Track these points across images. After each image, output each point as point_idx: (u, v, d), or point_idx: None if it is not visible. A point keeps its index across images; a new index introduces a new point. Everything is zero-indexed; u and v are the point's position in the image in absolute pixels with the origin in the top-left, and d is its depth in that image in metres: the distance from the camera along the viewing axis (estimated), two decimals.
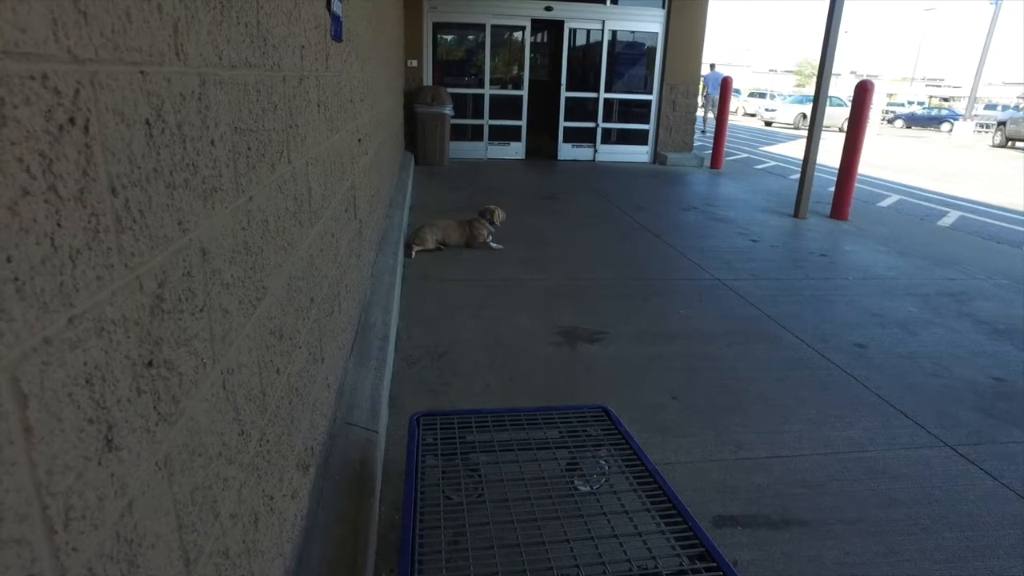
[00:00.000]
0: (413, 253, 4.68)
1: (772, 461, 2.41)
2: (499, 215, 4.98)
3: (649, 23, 9.86)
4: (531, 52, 9.97)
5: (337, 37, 2.22)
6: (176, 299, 0.79)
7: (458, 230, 4.89)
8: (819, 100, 6.73)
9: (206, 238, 0.92)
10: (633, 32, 10.00)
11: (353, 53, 2.83)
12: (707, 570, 1.42)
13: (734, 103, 38.98)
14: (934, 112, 34.76)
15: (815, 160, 6.88)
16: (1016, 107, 24.09)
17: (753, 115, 36.74)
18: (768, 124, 31.42)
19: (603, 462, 1.95)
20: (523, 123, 10.03)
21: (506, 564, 1.41)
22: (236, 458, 1.03)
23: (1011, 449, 2.61)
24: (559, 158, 10.15)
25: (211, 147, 0.95)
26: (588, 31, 9.94)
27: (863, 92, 6.73)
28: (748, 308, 4.04)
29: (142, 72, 0.70)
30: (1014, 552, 2.01)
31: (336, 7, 2.18)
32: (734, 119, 32.18)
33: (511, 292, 4.10)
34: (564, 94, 9.90)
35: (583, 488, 1.96)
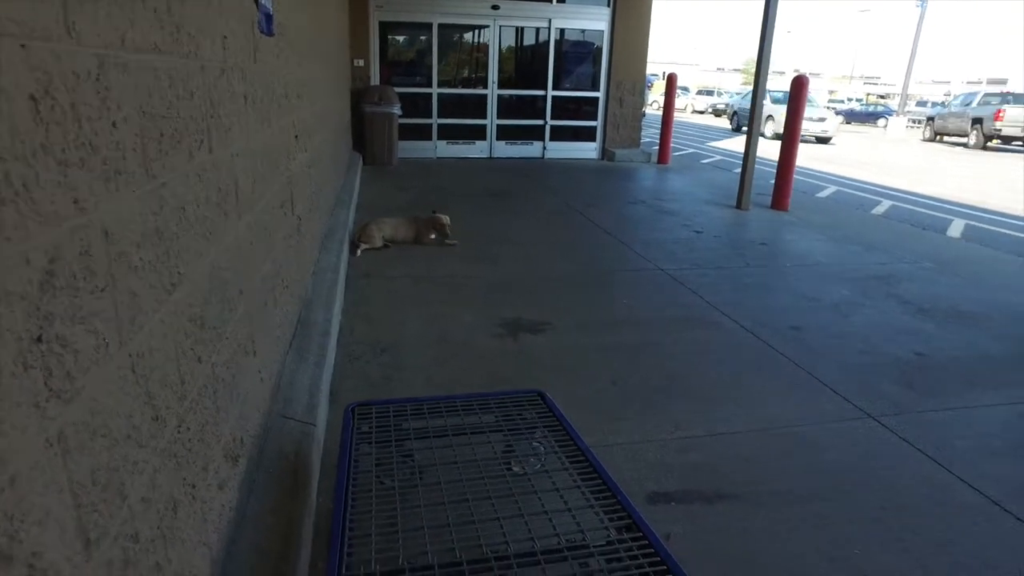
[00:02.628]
0: (359, 251, 4.65)
1: (708, 439, 2.49)
2: (446, 224, 4.97)
3: (595, 21, 9.99)
4: (479, 52, 9.99)
5: (267, 31, 2.20)
6: (71, 276, 0.79)
7: (405, 227, 4.88)
8: (757, 97, 6.93)
9: (109, 219, 0.92)
10: (580, 31, 10.13)
11: (287, 49, 2.81)
12: (633, 540, 1.47)
13: (683, 100, 39.79)
14: (871, 109, 36.20)
15: (755, 154, 7.09)
16: (943, 104, 25.19)
17: (702, 112, 37.57)
18: (718, 115, 32.59)
19: (537, 444, 1.99)
20: (488, 122, 10.06)
21: (436, 544, 1.43)
22: (149, 443, 1.03)
23: (927, 417, 2.75)
24: (493, 156, 10.20)
25: (112, 129, 0.94)
26: (541, 30, 10.02)
27: (799, 87, 6.97)
28: (690, 296, 4.15)
29: (23, 46, 0.70)
30: (924, 508, 2.13)
31: (265, 1, 2.16)
32: (684, 117, 32.84)
33: (456, 288, 4.12)
34: (496, 92, 9.95)
35: (517, 470, 1.99)
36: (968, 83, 58.08)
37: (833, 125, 20.05)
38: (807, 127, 18.59)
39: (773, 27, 6.74)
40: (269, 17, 2.17)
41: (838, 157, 15.17)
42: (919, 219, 7.78)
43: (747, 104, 19.97)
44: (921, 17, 22.75)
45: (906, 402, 2.89)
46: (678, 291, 4.25)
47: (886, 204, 8.84)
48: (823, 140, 19.91)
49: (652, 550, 1.42)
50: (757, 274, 4.78)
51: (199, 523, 1.28)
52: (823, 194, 9.51)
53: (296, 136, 3.04)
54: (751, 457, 2.38)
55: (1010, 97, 19.74)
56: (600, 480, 1.68)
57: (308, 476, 1.94)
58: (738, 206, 7.17)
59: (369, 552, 1.41)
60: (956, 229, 7.38)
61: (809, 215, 7.07)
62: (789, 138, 7.01)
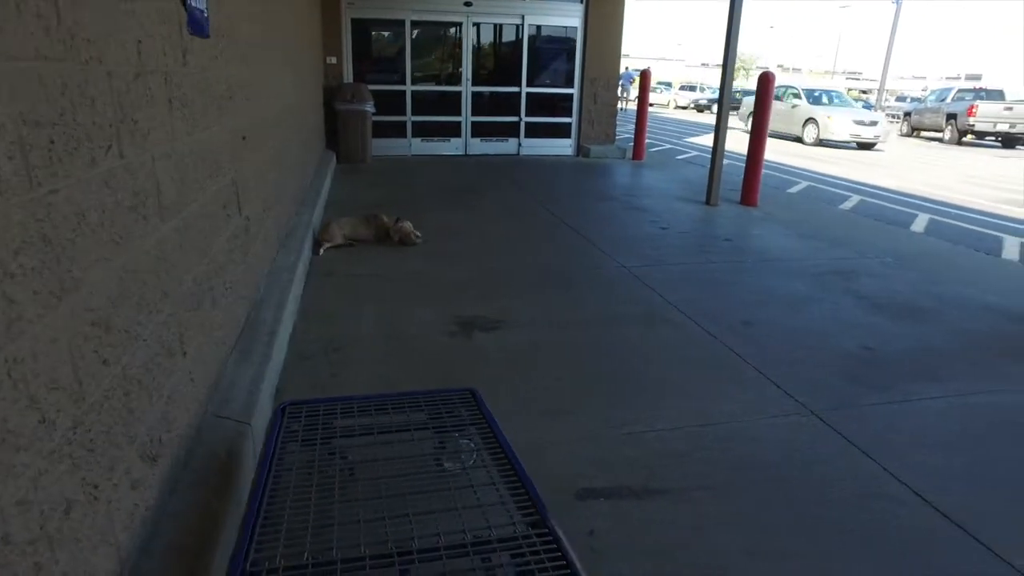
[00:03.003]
0: (322, 250, 4.66)
1: (647, 435, 2.53)
2: (411, 233, 4.98)
3: (568, 18, 10.02)
4: (454, 48, 9.98)
5: (199, 33, 2.21)
6: None
7: (365, 226, 4.89)
8: (724, 92, 6.99)
9: None
10: (556, 27, 10.15)
11: (230, 50, 2.81)
12: (539, 536, 1.50)
13: (666, 96, 39.94)
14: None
15: (723, 149, 7.16)
16: (920, 99, 25.48)
17: (684, 107, 37.71)
18: (700, 111, 32.77)
19: (467, 442, 2.02)
20: (462, 119, 10.07)
21: (345, 540, 1.46)
22: (30, 446, 1.05)
23: (866, 412, 2.81)
24: (468, 153, 10.21)
25: None
26: (515, 27, 10.03)
27: (765, 83, 7.04)
28: (648, 293, 4.20)
29: None
30: (849, 501, 2.19)
31: (196, 1, 2.17)
32: (666, 112, 32.99)
33: (416, 286, 4.14)
34: (470, 89, 9.96)
35: (449, 467, 2.02)
36: (947, 79, 58.68)
37: (884, 129, 16.99)
38: (857, 131, 16.27)
39: (739, 24, 6.80)
40: (202, 19, 2.18)
41: (816, 153, 15.31)
42: (886, 214, 7.88)
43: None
44: (896, 14, 22.99)
45: (848, 397, 2.95)
46: (636, 288, 4.30)
47: (855, 199, 8.95)
48: (867, 146, 16.88)
49: (555, 545, 1.46)
50: (717, 270, 4.84)
51: (103, 523, 1.30)
52: (795, 189, 9.61)
53: (244, 137, 3.05)
54: (686, 453, 2.42)
55: (983, 93, 19.99)
56: (517, 478, 1.71)
57: (237, 474, 1.96)
58: (707, 202, 7.24)
59: (277, 548, 1.44)
60: (920, 224, 7.49)
61: (777, 211, 7.15)
62: (757, 134, 7.07)
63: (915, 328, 3.84)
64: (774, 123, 17.14)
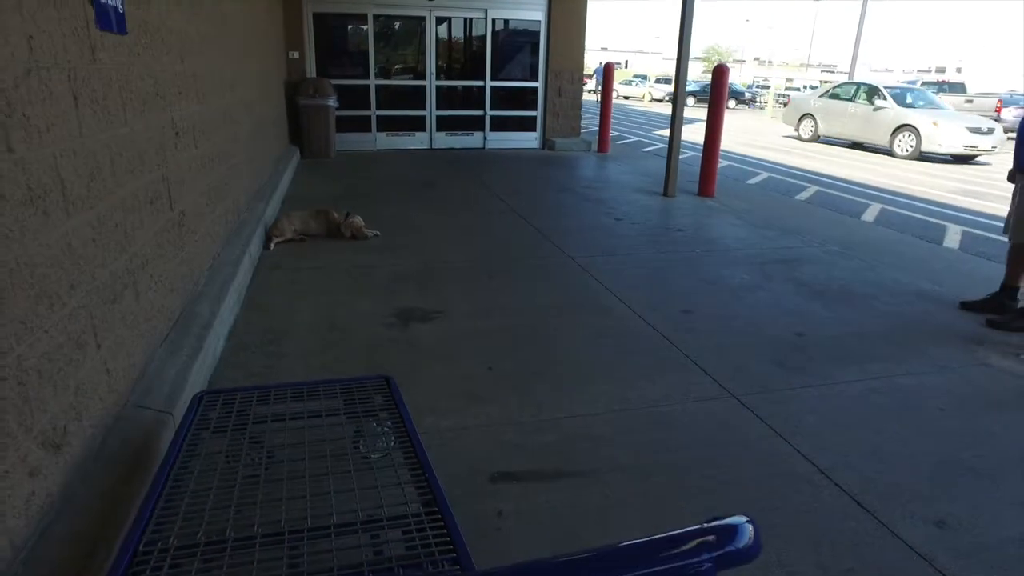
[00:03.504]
0: (272, 245, 4.68)
1: (567, 421, 2.61)
2: (361, 227, 5.00)
3: (531, 11, 10.05)
4: (418, 42, 9.97)
5: (110, 27, 2.23)
6: None
7: (315, 221, 4.92)
8: (679, 84, 7.09)
9: None
10: (519, 21, 10.19)
11: (158, 46, 2.83)
12: (428, 515, 1.57)
13: (641, 89, 40.13)
14: None
15: (679, 140, 7.26)
16: None
17: (660, 100, 37.91)
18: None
19: (378, 427, 2.08)
20: (427, 113, 10.07)
21: (240, 520, 1.52)
22: None
23: (787, 395, 2.92)
24: (433, 147, 10.24)
25: None
26: (478, 20, 10.05)
27: (720, 76, 7.15)
28: (591, 283, 4.28)
29: None
30: (758, 480, 2.28)
31: None
32: (641, 105, 33.15)
33: (359, 278, 4.19)
34: (434, 83, 9.98)
35: (363, 451, 2.08)
36: (918, 71, 59.62)
37: (1000, 138, 13.24)
38: (973, 141, 12.68)
39: (692, 14, 6.90)
40: (113, 14, 2.20)
41: (782, 144, 15.51)
42: (840, 204, 8.05)
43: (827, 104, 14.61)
44: (863, 9, 23.32)
45: (772, 381, 3.05)
46: (581, 278, 4.38)
47: (812, 190, 9.12)
48: (966, 158, 13.20)
49: (443, 526, 1.53)
50: (665, 260, 4.93)
51: None
52: (754, 180, 9.77)
53: (177, 133, 3.07)
54: (603, 437, 2.51)
55: (946, 86, 20.39)
56: (417, 460, 1.77)
57: (152, 463, 2.00)
58: (665, 193, 7.34)
59: (173, 528, 1.49)
60: (872, 214, 7.66)
61: (733, 201, 7.27)
62: (712, 126, 7.18)
63: (847, 313, 3.96)
64: (847, 129, 14.55)
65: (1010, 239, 4.05)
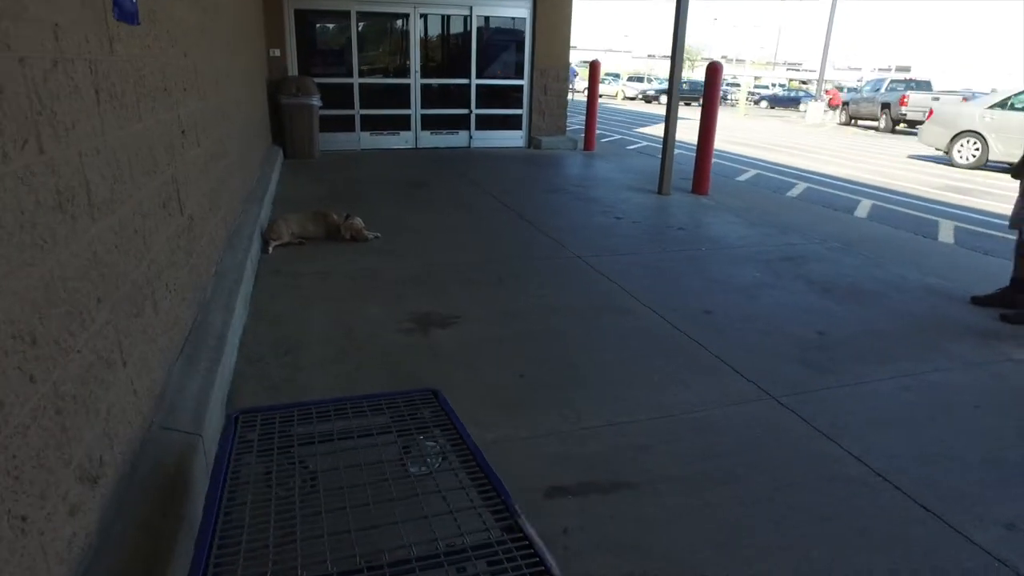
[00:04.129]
0: (270, 249, 4.49)
1: (608, 429, 2.51)
2: (361, 228, 4.83)
3: (516, 8, 9.94)
4: (402, 40, 9.78)
5: (128, 19, 2.06)
6: None
7: (313, 222, 4.74)
8: (673, 81, 7.04)
9: None
10: (504, 19, 10.06)
11: (164, 38, 2.65)
12: (514, 541, 1.45)
13: (614, 87, 40.26)
14: (793, 94, 37.57)
15: (674, 139, 7.21)
16: (856, 90, 26.42)
17: (633, 98, 38.12)
18: (648, 102, 33.37)
19: (432, 444, 1.95)
20: (412, 112, 9.88)
21: (308, 556, 1.38)
22: None
23: (822, 395, 2.86)
24: (418, 146, 10.07)
25: None
26: (463, 18, 9.89)
27: (713, 74, 7.12)
28: (604, 283, 4.19)
29: None
30: (812, 484, 2.21)
31: None
32: (615, 103, 33.26)
33: (366, 282, 4.03)
34: (419, 81, 9.81)
35: (415, 471, 1.95)
36: (879, 70, 60.97)
37: None
38: None
39: (686, 14, 6.86)
40: (128, 4, 2.03)
41: (762, 141, 15.66)
42: (831, 200, 8.10)
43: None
44: (832, 8, 23.69)
45: (805, 381, 2.99)
46: (593, 278, 4.28)
47: (802, 186, 9.17)
48: None
49: (532, 551, 1.41)
50: (673, 259, 4.87)
51: (33, 556, 1.19)
52: (743, 177, 9.80)
53: (183, 131, 2.89)
54: (649, 445, 2.41)
55: (913, 84, 20.82)
56: (487, 481, 1.65)
57: (188, 490, 1.85)
58: (659, 191, 7.29)
59: (236, 568, 1.35)
60: (863, 209, 7.72)
61: (728, 199, 7.25)
62: (706, 124, 7.15)
63: (861, 311, 3.93)
64: (1010, 147, 10.54)
65: (1019, 234, 4.06)
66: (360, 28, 9.39)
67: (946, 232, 6.72)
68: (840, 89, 35.06)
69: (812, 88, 40.54)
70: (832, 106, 24.94)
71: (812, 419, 2.65)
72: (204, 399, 2.26)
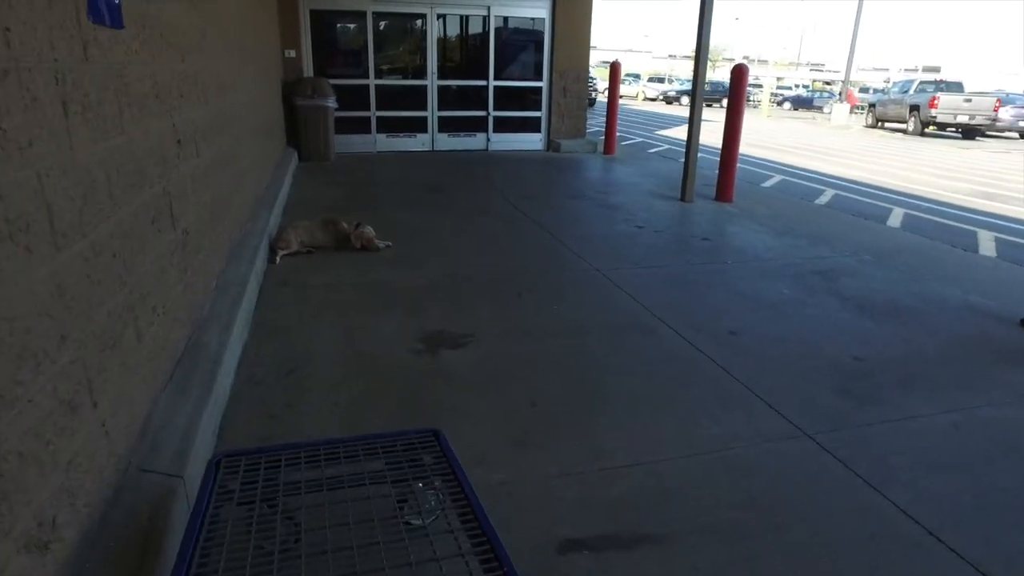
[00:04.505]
0: (278, 258, 4.33)
1: (632, 469, 2.29)
2: (372, 238, 4.65)
3: (535, 9, 9.74)
4: (419, 41, 9.62)
5: (103, 21, 1.88)
6: None
7: (322, 231, 4.57)
8: (697, 83, 6.79)
9: None
10: (523, 19, 9.86)
11: (156, 41, 2.48)
12: None
13: (634, 88, 39.93)
14: (817, 95, 36.93)
15: (697, 145, 6.96)
16: (883, 91, 25.83)
17: (653, 99, 37.73)
18: (669, 103, 33.13)
19: (432, 494, 1.75)
20: (428, 114, 9.71)
21: None
22: None
23: (863, 432, 2.61)
24: (435, 148, 9.89)
25: None
26: (481, 18, 9.71)
27: (739, 77, 6.86)
28: (625, 299, 3.97)
29: None
30: (856, 541, 1.98)
31: None
32: (635, 104, 32.94)
33: (378, 295, 3.85)
34: (436, 83, 9.63)
35: (413, 523, 1.75)
36: (905, 71, 59.79)
37: None
38: None
39: (711, 15, 6.61)
40: (105, 5, 1.86)
41: (786, 144, 15.30)
42: (861, 208, 7.80)
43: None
44: (859, 10, 23.15)
45: (843, 414, 2.75)
46: (613, 293, 4.06)
47: (830, 193, 8.86)
48: None
49: None
50: (697, 272, 4.63)
51: None
52: (769, 183, 9.50)
53: (179, 141, 2.72)
54: (676, 489, 2.19)
55: (943, 85, 20.27)
56: (488, 544, 1.45)
57: (165, 543, 1.67)
58: (682, 198, 7.05)
59: None
60: (896, 218, 7.41)
61: (753, 206, 6.99)
62: (731, 129, 6.89)
63: (901, 332, 3.67)
64: None
65: None
66: (376, 29, 9.24)
67: (986, 244, 6.39)
68: (866, 90, 34.43)
69: (836, 88, 39.90)
70: (852, 106, 24.48)
71: (852, 462, 2.41)
72: (191, 433, 2.08)
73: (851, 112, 24.23)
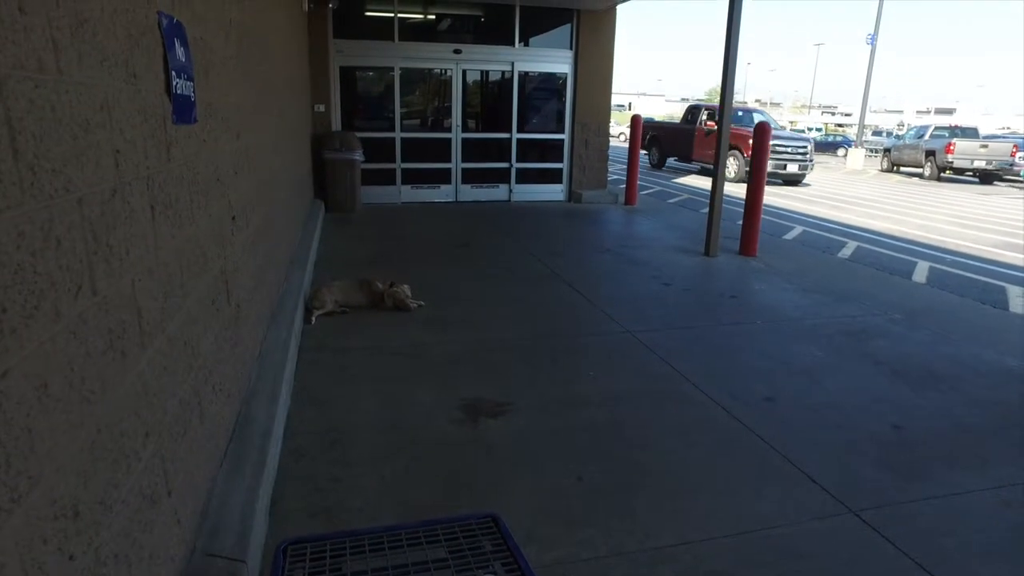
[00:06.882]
0: (313, 318, 4.41)
1: (679, 549, 2.29)
2: (407, 298, 4.73)
3: (558, 64, 10.00)
4: (444, 95, 9.90)
5: (186, 120, 2.00)
6: None
7: (356, 291, 4.66)
8: (722, 135, 6.90)
9: None
10: (546, 74, 10.13)
11: (220, 127, 2.61)
12: None
13: None
14: (831, 138, 37.23)
15: (721, 200, 7.04)
16: (896, 135, 25.99)
17: None
18: None
19: None
20: (452, 165, 9.93)
21: None
22: None
23: (910, 509, 2.60)
24: (459, 199, 10.07)
25: None
26: (504, 73, 9.98)
27: (762, 134, 6.98)
28: (658, 364, 3.99)
29: None
30: None
31: (183, 88, 1.96)
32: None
33: (412, 360, 3.90)
34: (460, 135, 9.86)
35: None
36: (918, 112, 60.13)
37: None
38: None
39: (735, 63, 6.75)
40: (188, 105, 1.98)
41: (803, 192, 15.38)
42: (885, 262, 7.80)
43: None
44: (872, 55, 23.49)
45: (888, 490, 2.73)
46: (646, 358, 4.09)
47: (852, 246, 8.88)
48: None
49: None
50: (728, 334, 4.65)
51: None
52: (790, 235, 9.54)
53: (234, 216, 2.83)
54: (724, 571, 2.19)
55: (958, 131, 20.40)
56: None
57: None
58: (706, 253, 7.10)
59: None
60: (921, 273, 7.40)
61: (777, 261, 7.02)
62: (755, 183, 6.98)
63: (940, 400, 3.65)
64: None
65: None
66: (403, 83, 9.52)
67: (1016, 300, 6.36)
68: (879, 133, 34.57)
69: (849, 131, 40.15)
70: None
71: (900, 541, 2.39)
72: (249, 512, 2.11)
73: (867, 155, 24.34)
